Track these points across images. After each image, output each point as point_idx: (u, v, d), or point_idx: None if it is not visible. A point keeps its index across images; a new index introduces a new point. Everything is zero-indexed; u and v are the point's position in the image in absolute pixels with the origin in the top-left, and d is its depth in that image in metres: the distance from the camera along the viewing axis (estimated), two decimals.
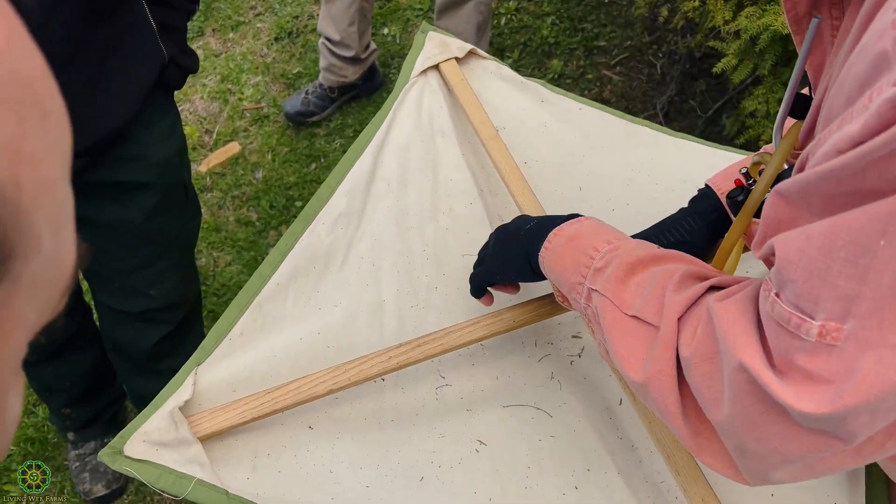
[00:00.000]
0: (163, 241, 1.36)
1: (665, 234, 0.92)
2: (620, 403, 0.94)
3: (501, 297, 0.94)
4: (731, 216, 0.87)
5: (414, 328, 0.93)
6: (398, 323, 0.95)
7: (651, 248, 0.73)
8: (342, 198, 1.01)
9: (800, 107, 0.71)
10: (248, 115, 2.50)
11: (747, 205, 0.78)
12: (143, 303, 1.40)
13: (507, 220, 1.06)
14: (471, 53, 1.15)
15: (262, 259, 2.21)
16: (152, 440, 0.78)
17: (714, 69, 1.74)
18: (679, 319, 0.65)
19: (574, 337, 0.98)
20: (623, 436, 0.91)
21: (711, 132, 2.26)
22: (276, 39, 2.67)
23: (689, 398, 0.65)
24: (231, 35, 2.70)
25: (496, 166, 1.04)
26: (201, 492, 0.76)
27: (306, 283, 0.95)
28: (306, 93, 2.42)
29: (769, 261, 0.59)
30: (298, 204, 2.28)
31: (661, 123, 2.35)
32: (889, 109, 0.45)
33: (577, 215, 0.83)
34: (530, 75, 2.50)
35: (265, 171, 2.36)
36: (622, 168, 1.11)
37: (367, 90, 2.47)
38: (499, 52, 2.57)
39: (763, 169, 0.77)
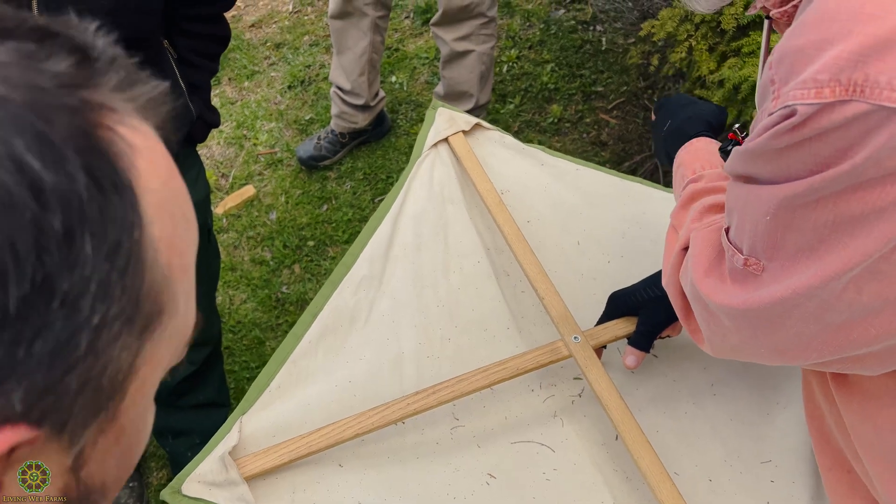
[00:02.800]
0: None
1: (649, 290, 1.03)
2: (616, 439, 1.03)
3: (507, 347, 1.06)
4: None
5: (430, 377, 1.04)
6: (416, 372, 1.06)
7: (715, 180, 0.90)
8: (364, 263, 1.14)
9: None
10: (262, 159, 2.62)
11: None
12: None
13: (512, 275, 1.18)
14: (476, 126, 1.28)
15: (276, 297, 2.32)
16: (206, 481, 0.90)
17: None
18: (683, 249, 0.84)
19: (575, 379, 1.09)
20: (618, 468, 1.01)
21: None
22: (290, 87, 2.80)
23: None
24: (246, 83, 2.83)
25: (500, 229, 1.16)
26: None
27: (335, 340, 1.08)
28: (318, 138, 2.55)
29: None
30: (311, 244, 2.39)
31: (656, 164, 2.47)
32: (761, 131, 0.63)
33: (703, 114, 1.03)
34: (531, 119, 2.63)
35: (279, 213, 2.47)
36: (617, 223, 1.22)
37: (376, 135, 2.60)
38: (501, 98, 2.70)
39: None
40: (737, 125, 0.99)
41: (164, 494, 0.89)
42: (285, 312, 2.24)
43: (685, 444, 1.03)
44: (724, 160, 0.99)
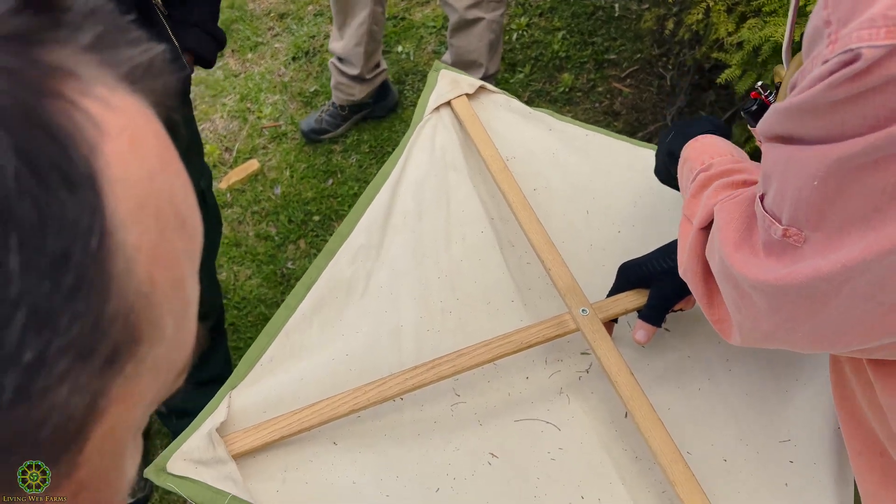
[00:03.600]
0: None
1: (661, 260, 0.98)
2: (626, 416, 0.99)
3: (511, 320, 1.00)
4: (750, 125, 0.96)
5: (430, 351, 0.99)
6: (415, 346, 1.01)
7: (724, 165, 0.85)
8: (362, 233, 1.09)
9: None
10: (266, 132, 2.57)
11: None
12: None
13: (517, 246, 1.12)
14: (481, 89, 1.22)
15: (281, 273, 2.28)
16: (192, 458, 0.85)
17: (718, 80, 1.79)
18: (702, 228, 0.78)
19: (583, 354, 1.04)
20: (627, 447, 0.97)
21: None
22: (294, 59, 2.75)
23: (714, 285, 0.78)
24: (250, 55, 2.77)
25: (505, 197, 1.11)
26: None
27: (331, 312, 1.03)
28: (321, 111, 2.50)
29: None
30: (316, 218, 2.35)
31: None
32: (813, 81, 0.55)
33: (707, 122, 0.97)
34: (541, 89, 2.56)
35: (283, 187, 2.43)
36: (627, 190, 1.16)
37: (379, 109, 2.54)
38: (511, 67, 2.62)
39: (780, 83, 0.87)
40: (759, 83, 0.92)
41: (149, 472, 0.84)
42: (291, 288, 2.19)
43: (698, 422, 0.98)
44: (748, 121, 0.93)
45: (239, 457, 0.88)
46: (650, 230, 1.11)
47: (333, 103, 2.48)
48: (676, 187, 0.97)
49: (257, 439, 0.88)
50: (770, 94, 0.91)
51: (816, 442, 0.95)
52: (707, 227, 0.78)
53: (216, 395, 0.94)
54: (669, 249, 0.99)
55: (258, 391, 0.95)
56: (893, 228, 0.54)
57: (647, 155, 1.20)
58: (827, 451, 0.94)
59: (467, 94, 1.20)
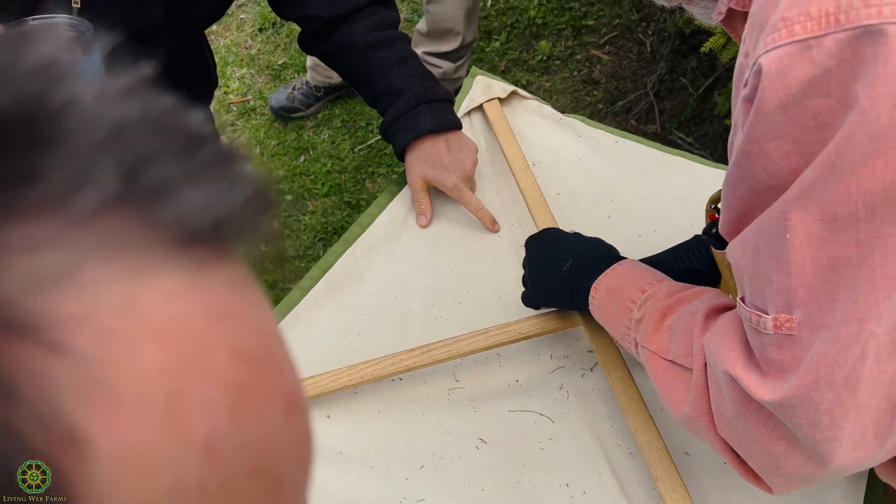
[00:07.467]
0: None
1: (678, 261, 0.94)
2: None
3: (519, 316, 1.02)
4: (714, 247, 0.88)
5: (434, 336, 1.00)
6: (421, 331, 1.04)
7: (678, 291, 0.77)
8: (381, 227, 1.14)
9: None
10: (234, 108, 2.47)
11: None
12: None
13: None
14: (513, 94, 1.25)
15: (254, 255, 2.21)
16: None
17: (702, 49, 1.73)
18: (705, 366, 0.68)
19: (590, 352, 1.03)
20: (621, 443, 0.95)
21: (704, 110, 2.24)
22: (261, 30, 2.64)
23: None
24: (214, 27, 2.65)
25: (523, 196, 1.13)
26: None
27: (342, 297, 1.07)
28: (293, 88, 2.39)
29: None
30: (289, 198, 2.26)
31: (652, 103, 2.34)
32: (743, 114, 0.51)
33: (602, 244, 0.92)
34: (518, 58, 2.48)
35: (254, 166, 2.34)
36: (653, 197, 1.16)
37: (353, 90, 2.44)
38: (486, 35, 2.54)
39: None
40: (714, 205, 0.86)
41: None
42: (265, 271, 2.11)
43: None
44: (711, 244, 0.84)
45: None
46: (672, 235, 1.09)
47: (307, 83, 2.38)
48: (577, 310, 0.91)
49: None
50: None
51: None
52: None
53: None
54: (687, 249, 0.96)
55: None
56: (881, 253, 0.48)
57: (674, 161, 1.20)
58: None
59: (499, 98, 1.23)
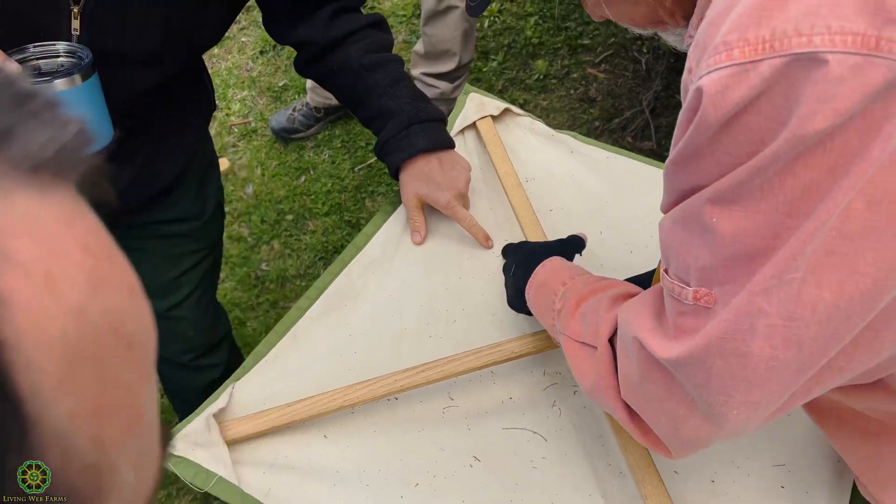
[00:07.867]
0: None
1: None
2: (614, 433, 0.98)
3: (515, 333, 1.05)
4: None
5: (429, 355, 1.02)
6: (417, 350, 1.05)
7: (594, 282, 0.84)
8: (377, 247, 1.15)
9: None
10: (236, 130, 2.50)
11: None
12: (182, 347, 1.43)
13: None
14: (506, 111, 1.26)
15: (255, 275, 2.24)
16: (189, 441, 0.92)
17: None
18: (610, 339, 0.75)
19: None
20: (612, 462, 0.97)
21: None
22: (262, 53, 2.67)
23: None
24: (216, 50, 2.70)
25: (515, 212, 1.15)
26: (221, 487, 0.90)
27: (339, 316, 1.09)
28: (293, 109, 2.43)
29: None
30: (289, 217, 2.30)
31: (647, 120, 2.36)
32: (682, 127, 0.56)
33: (554, 247, 0.97)
34: (515, 77, 2.51)
35: (255, 186, 2.37)
36: (646, 212, 1.17)
37: None
38: (484, 55, 2.57)
39: None
40: None
41: None
42: (266, 291, 2.15)
43: None
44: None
45: (233, 443, 0.94)
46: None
47: (307, 104, 2.42)
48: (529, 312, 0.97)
49: (250, 427, 0.95)
50: None
51: (812, 469, 0.94)
52: (612, 339, 0.75)
53: (221, 386, 1.01)
54: None
55: (260, 384, 1.01)
56: (788, 244, 0.53)
57: None
58: (822, 481, 0.93)
59: (492, 116, 1.24)
